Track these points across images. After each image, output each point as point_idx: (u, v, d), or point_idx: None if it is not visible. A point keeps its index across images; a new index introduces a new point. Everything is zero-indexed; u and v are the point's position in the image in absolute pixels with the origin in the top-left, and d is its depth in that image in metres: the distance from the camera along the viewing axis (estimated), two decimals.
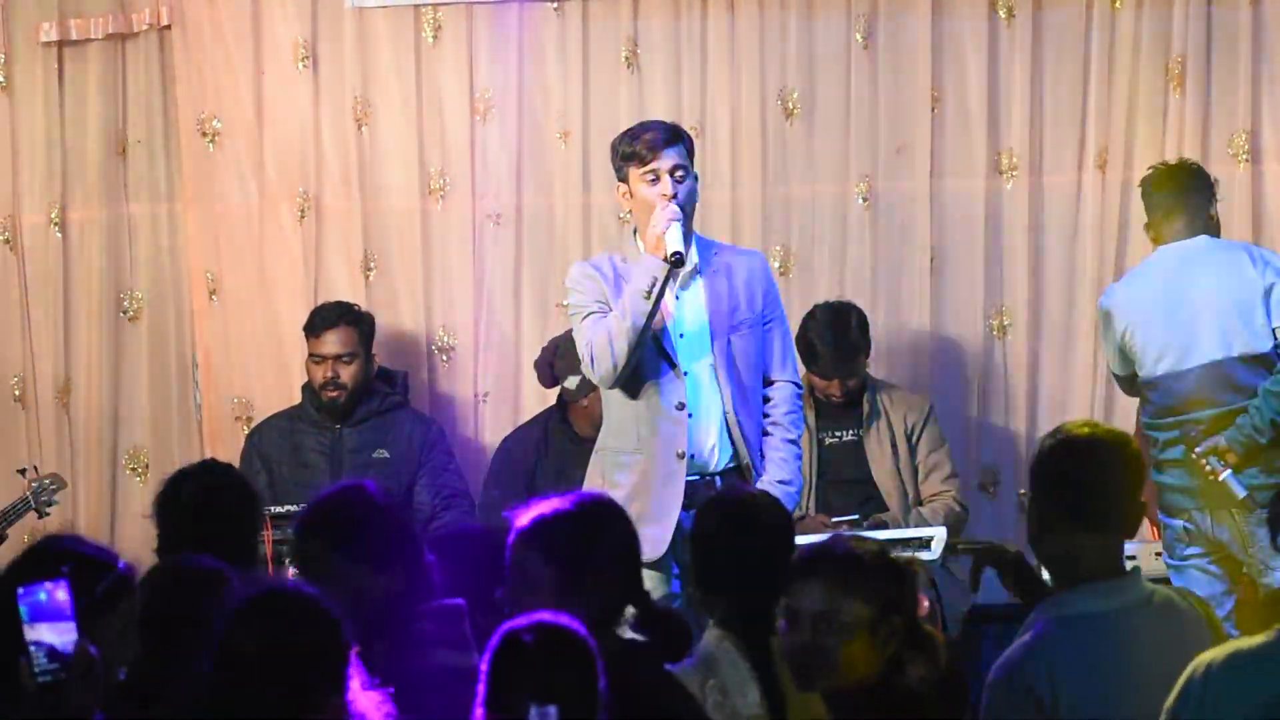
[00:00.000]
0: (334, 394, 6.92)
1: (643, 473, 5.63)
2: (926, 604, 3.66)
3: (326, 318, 6.96)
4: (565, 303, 6.17)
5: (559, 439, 6.96)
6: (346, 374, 6.92)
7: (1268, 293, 6.12)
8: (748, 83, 7.36)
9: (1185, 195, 6.33)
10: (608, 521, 4.01)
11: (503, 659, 3.23)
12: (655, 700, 3.77)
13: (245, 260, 7.38)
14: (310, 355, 6.97)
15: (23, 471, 6.90)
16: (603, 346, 5.60)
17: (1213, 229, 6.36)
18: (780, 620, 3.64)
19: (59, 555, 3.73)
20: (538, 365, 7.06)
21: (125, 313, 7.43)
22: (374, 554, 4.11)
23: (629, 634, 3.90)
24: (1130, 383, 6.41)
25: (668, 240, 5.55)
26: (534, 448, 6.96)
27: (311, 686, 3.24)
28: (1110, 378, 6.69)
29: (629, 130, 5.81)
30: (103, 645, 3.62)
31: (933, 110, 7.34)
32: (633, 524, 4.06)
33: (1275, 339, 6.14)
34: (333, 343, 6.92)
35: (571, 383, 6.88)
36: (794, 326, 6.68)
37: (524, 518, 3.95)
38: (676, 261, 5.55)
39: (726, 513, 4.59)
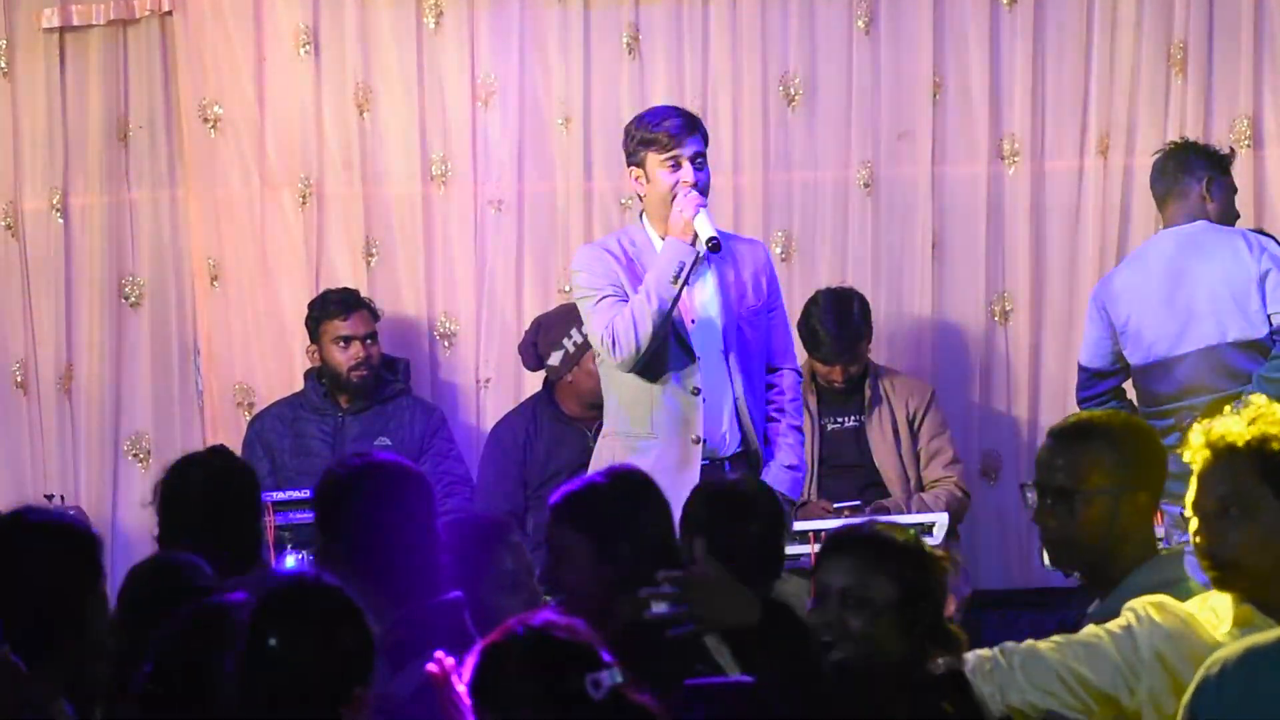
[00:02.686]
0: (364, 373, 6.95)
1: (658, 457, 5.63)
2: (954, 604, 3.64)
3: (348, 301, 6.99)
4: (571, 285, 6.17)
5: (546, 419, 6.96)
6: (375, 353, 6.97)
7: (1263, 278, 6.12)
8: (749, 68, 7.35)
9: (1181, 179, 6.33)
10: (641, 490, 4.04)
11: (485, 671, 3.22)
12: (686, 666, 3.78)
13: (247, 246, 7.39)
14: (336, 338, 6.96)
15: (50, 498, 6.91)
16: (626, 330, 5.61)
17: (1215, 211, 6.35)
18: (808, 598, 3.63)
19: (58, 526, 3.78)
20: (521, 348, 7.06)
21: (127, 299, 7.43)
22: (397, 532, 4.08)
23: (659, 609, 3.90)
24: (1096, 379, 6.40)
25: (699, 226, 5.58)
26: (523, 431, 6.96)
27: (338, 678, 3.24)
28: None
29: (647, 115, 5.82)
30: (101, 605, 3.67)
31: (934, 96, 7.34)
32: (664, 493, 4.10)
33: (1271, 325, 6.14)
34: (360, 323, 6.96)
35: (555, 359, 6.89)
36: (796, 313, 6.69)
37: (557, 494, 3.98)
38: (713, 247, 5.58)
39: (716, 500, 4.60)
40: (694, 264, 5.60)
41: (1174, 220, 6.30)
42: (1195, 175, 6.34)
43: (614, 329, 5.64)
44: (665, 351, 5.69)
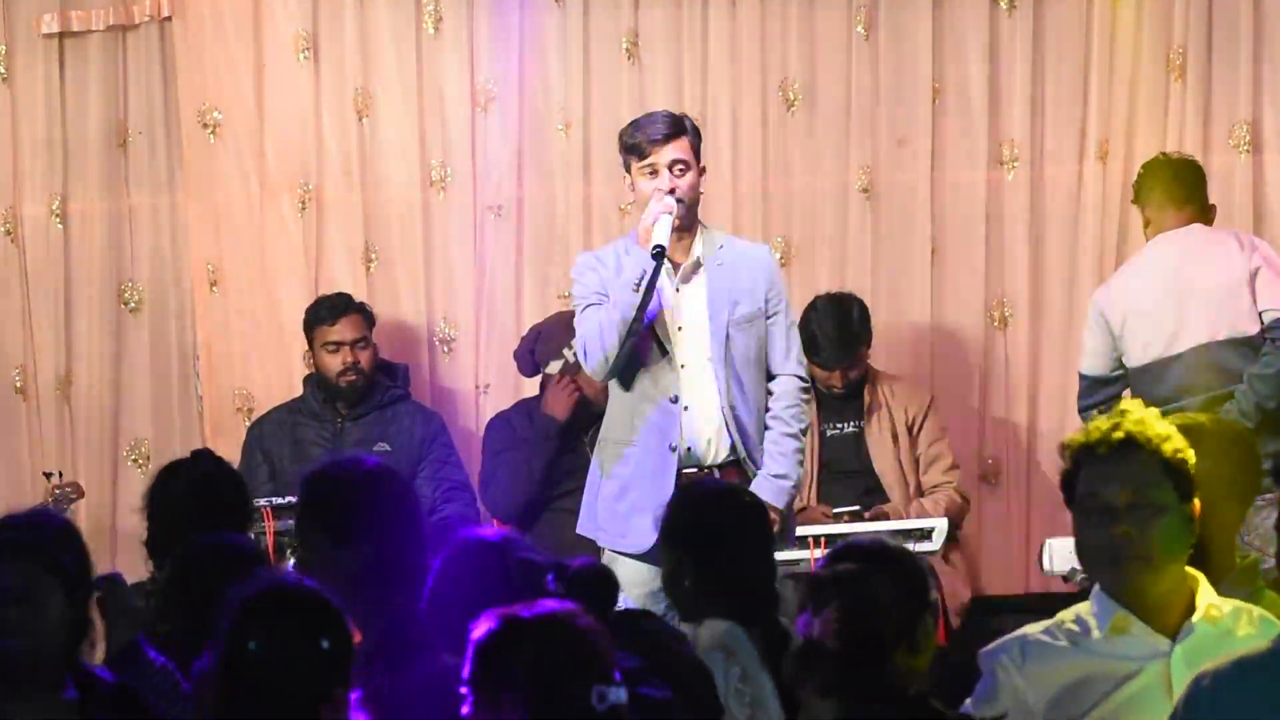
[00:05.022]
0: (353, 378, 6.95)
1: (636, 464, 5.64)
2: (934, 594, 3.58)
3: (338, 305, 7.00)
4: (569, 293, 6.17)
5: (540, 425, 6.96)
6: (364, 359, 6.97)
7: (1254, 276, 6.14)
8: (748, 74, 7.36)
9: (1197, 188, 6.34)
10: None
11: (481, 660, 3.18)
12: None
13: (246, 252, 7.38)
14: (325, 344, 6.97)
15: (48, 475, 6.89)
16: (593, 338, 5.61)
17: (1208, 220, 6.40)
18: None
19: None
20: (518, 354, 7.06)
21: (126, 304, 7.43)
22: (366, 536, 4.06)
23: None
24: (1096, 387, 6.40)
25: (655, 233, 5.55)
26: (521, 427, 6.95)
27: (318, 679, 3.25)
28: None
29: (634, 122, 5.80)
30: None
31: (934, 101, 7.35)
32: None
33: (1262, 322, 6.14)
34: (349, 329, 6.96)
35: (553, 368, 6.88)
36: (795, 318, 6.69)
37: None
38: (657, 254, 5.54)
39: (690, 506, 4.59)
40: (655, 273, 5.57)
41: (1172, 225, 6.31)
42: (1200, 186, 6.36)
43: (584, 338, 5.64)
44: (648, 359, 5.66)
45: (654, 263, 5.53)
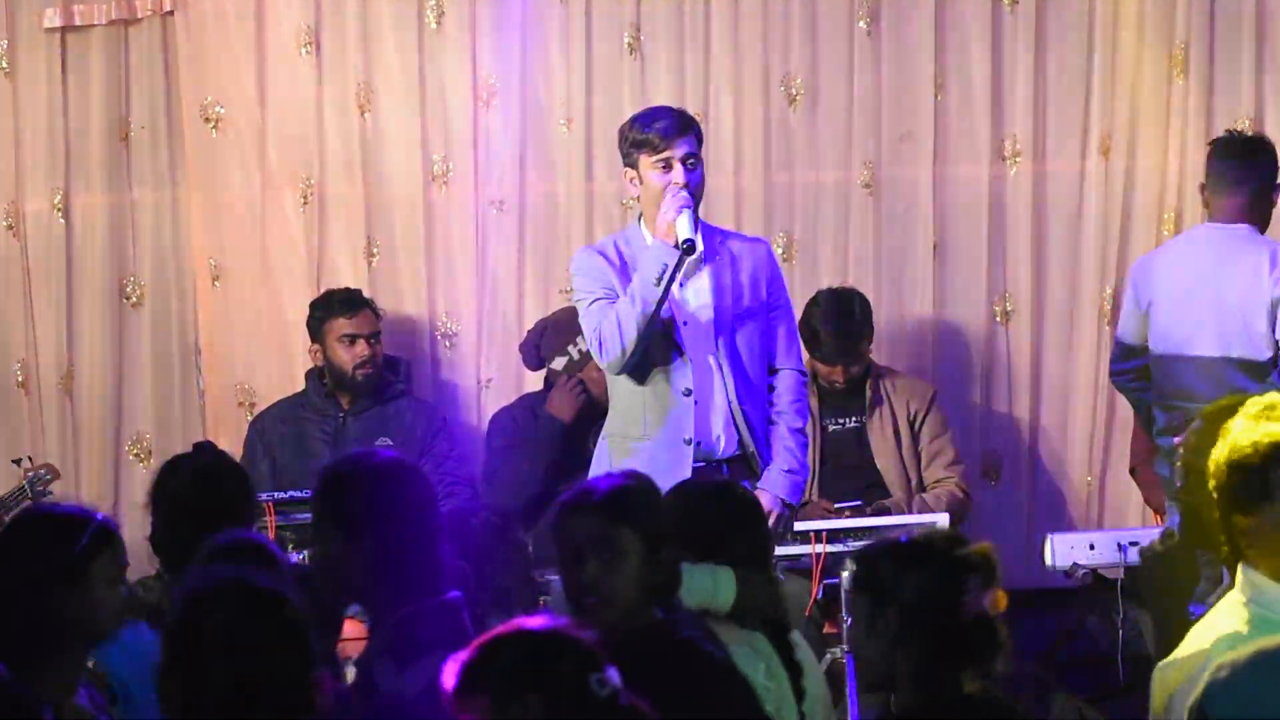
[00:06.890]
0: (369, 371, 6.96)
1: (650, 458, 5.62)
2: (1000, 597, 3.49)
3: (354, 299, 7.01)
4: (570, 289, 6.17)
5: (544, 419, 6.95)
6: (379, 352, 6.99)
7: (1275, 304, 6.04)
8: (751, 69, 7.35)
9: (1253, 171, 6.18)
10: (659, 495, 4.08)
11: (487, 660, 3.12)
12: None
13: (248, 246, 7.38)
14: (341, 336, 6.96)
15: (17, 461, 6.89)
16: (611, 332, 5.61)
17: (1261, 218, 6.23)
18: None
19: (36, 521, 3.83)
20: (523, 348, 7.06)
21: (128, 299, 7.43)
22: (379, 530, 4.05)
23: None
24: (1127, 354, 6.36)
25: (679, 227, 5.55)
26: (525, 421, 6.95)
27: (303, 661, 3.19)
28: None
29: (639, 116, 5.80)
30: (91, 596, 3.69)
31: (936, 97, 7.35)
32: None
33: (1277, 349, 6.05)
34: (366, 322, 6.97)
35: (558, 363, 6.89)
36: (797, 313, 6.69)
37: (601, 492, 3.95)
38: (688, 249, 5.56)
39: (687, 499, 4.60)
40: (677, 266, 5.58)
41: (1221, 212, 6.19)
42: (1255, 170, 6.20)
43: (601, 332, 5.64)
44: (657, 353, 5.68)
45: (676, 256, 5.55)
